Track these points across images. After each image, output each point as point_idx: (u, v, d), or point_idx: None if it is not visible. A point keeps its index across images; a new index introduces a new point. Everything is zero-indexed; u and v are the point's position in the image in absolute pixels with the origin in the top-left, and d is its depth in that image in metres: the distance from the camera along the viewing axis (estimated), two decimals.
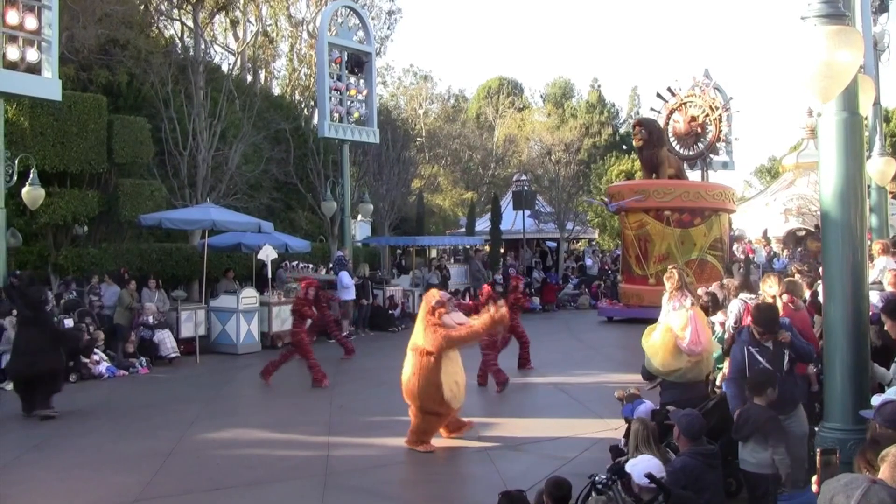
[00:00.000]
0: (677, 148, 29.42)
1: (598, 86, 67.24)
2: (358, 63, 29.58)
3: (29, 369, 13.90)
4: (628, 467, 6.59)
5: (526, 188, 37.55)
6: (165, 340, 19.84)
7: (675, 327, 10.47)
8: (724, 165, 39.03)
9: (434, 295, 11.54)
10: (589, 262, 37.71)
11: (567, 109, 63.79)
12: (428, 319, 11.26)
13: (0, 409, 14.95)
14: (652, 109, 31.87)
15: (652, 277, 25.44)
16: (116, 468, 10.88)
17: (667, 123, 29.58)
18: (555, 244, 40.50)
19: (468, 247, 33.85)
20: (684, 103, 29.96)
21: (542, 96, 69.77)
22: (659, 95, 30.79)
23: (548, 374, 17.31)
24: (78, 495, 9.85)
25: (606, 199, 27.55)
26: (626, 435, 9.54)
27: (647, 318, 21.87)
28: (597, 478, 6.80)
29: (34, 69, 19.65)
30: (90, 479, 10.43)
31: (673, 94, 30.09)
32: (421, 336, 11.25)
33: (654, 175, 27.37)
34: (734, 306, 10.86)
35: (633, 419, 8.83)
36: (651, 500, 6.23)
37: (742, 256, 30.46)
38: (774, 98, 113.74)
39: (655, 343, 10.71)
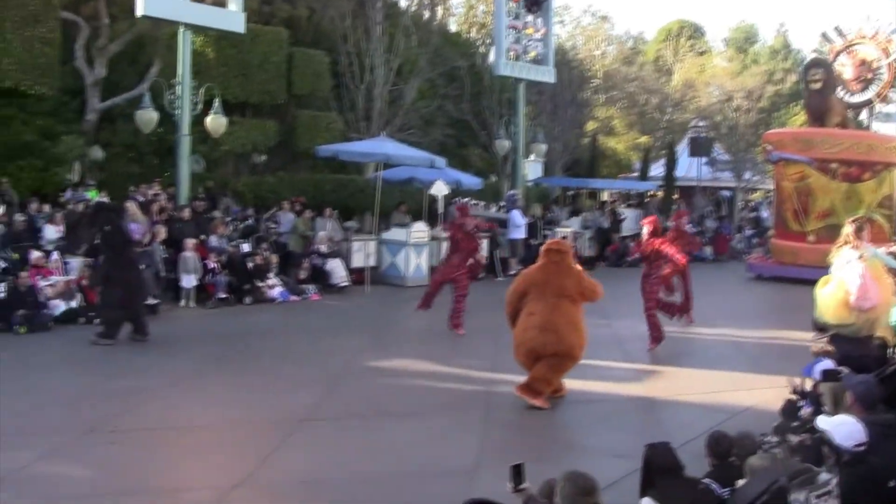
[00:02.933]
0: (841, 94, 27.45)
1: (784, 31, 64.49)
2: (535, 1, 29.19)
3: None
4: (825, 425, 6.26)
5: (703, 135, 36.51)
6: (337, 269, 20.24)
7: (847, 281, 10.12)
8: None
9: (568, 244, 10.88)
10: (765, 213, 36.50)
11: (750, 55, 61.43)
12: (577, 268, 10.80)
13: (180, 325, 15.65)
14: (815, 51, 29.98)
15: (811, 235, 24.17)
16: (287, 388, 11.23)
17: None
18: (730, 193, 39.49)
19: (644, 192, 33.19)
20: (852, 45, 28.00)
21: (723, 41, 67.46)
22: (825, 36, 28.87)
23: (717, 325, 16.83)
24: (250, 410, 10.23)
25: (769, 147, 26.05)
26: (800, 392, 9.18)
27: (802, 278, 21.10)
28: (765, 438, 6.59)
29: (221, 2, 20.20)
30: (263, 397, 10.81)
31: (841, 36, 28.15)
32: (577, 284, 10.66)
33: (819, 123, 25.67)
34: None
35: (814, 378, 8.52)
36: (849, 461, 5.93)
37: None
38: None
39: (828, 295, 10.34)
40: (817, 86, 25.32)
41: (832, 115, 25.52)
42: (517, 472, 5.20)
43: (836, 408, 7.28)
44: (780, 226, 26.05)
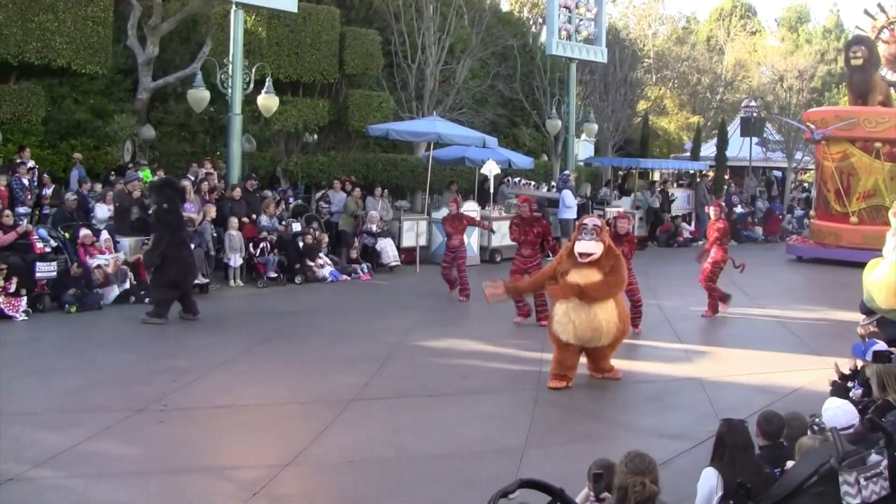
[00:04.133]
0: (883, 72, 26.49)
1: (837, 11, 63.55)
2: None
3: None
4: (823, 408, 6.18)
5: (755, 115, 36.03)
6: (387, 249, 20.19)
7: None
8: None
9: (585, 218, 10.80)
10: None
11: (802, 34, 60.64)
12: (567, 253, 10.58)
13: (230, 305, 15.69)
14: (857, 28, 29.12)
15: (854, 216, 23.51)
16: (336, 367, 11.21)
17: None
18: (781, 174, 39.13)
19: (695, 171, 32.88)
20: (894, 22, 27.05)
21: (775, 20, 66.67)
22: (867, 12, 27.91)
23: (767, 306, 16.56)
24: (300, 389, 10.27)
25: (812, 126, 25.40)
26: (850, 374, 8.94)
27: (844, 260, 20.52)
28: (815, 419, 6.44)
29: None
30: (312, 376, 10.84)
31: (883, 11, 27.22)
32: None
33: (861, 101, 24.80)
34: None
35: (864, 360, 8.30)
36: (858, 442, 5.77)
37: None
38: None
39: (879, 280, 10.07)
40: (859, 62, 24.51)
41: (875, 92, 24.71)
42: (598, 480, 5.09)
43: (882, 390, 7.09)
44: (822, 207, 25.30)
